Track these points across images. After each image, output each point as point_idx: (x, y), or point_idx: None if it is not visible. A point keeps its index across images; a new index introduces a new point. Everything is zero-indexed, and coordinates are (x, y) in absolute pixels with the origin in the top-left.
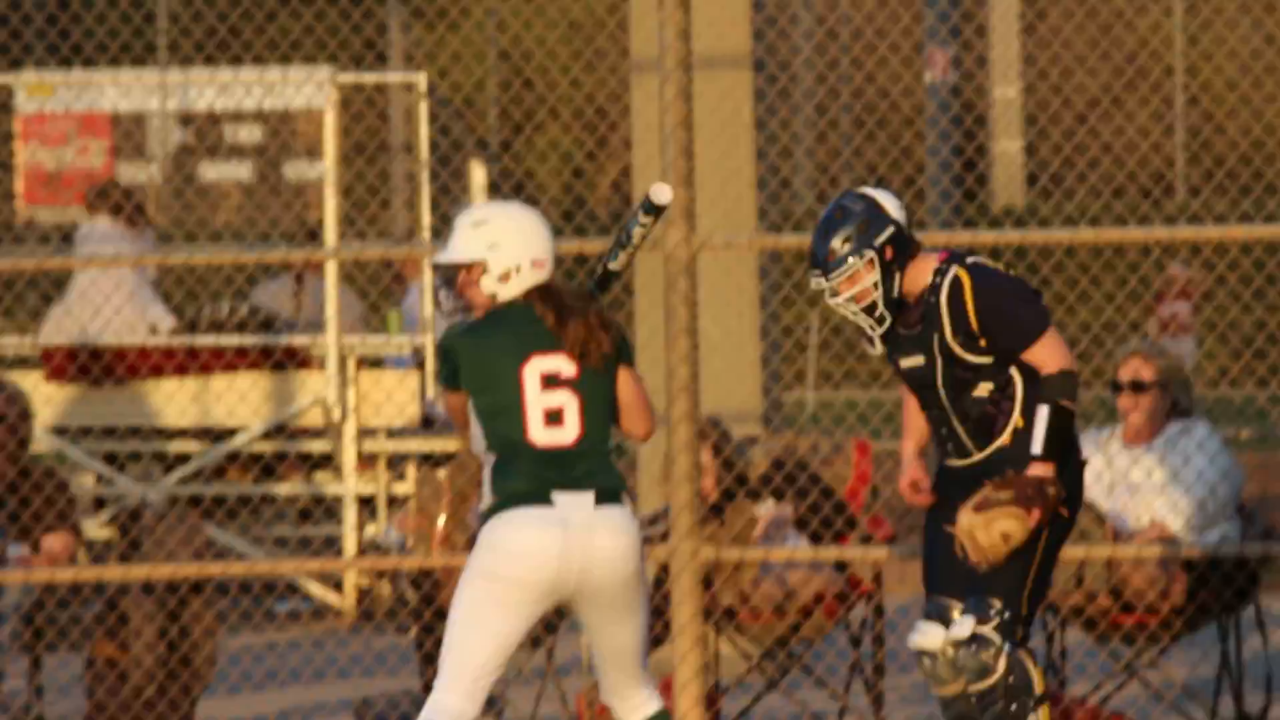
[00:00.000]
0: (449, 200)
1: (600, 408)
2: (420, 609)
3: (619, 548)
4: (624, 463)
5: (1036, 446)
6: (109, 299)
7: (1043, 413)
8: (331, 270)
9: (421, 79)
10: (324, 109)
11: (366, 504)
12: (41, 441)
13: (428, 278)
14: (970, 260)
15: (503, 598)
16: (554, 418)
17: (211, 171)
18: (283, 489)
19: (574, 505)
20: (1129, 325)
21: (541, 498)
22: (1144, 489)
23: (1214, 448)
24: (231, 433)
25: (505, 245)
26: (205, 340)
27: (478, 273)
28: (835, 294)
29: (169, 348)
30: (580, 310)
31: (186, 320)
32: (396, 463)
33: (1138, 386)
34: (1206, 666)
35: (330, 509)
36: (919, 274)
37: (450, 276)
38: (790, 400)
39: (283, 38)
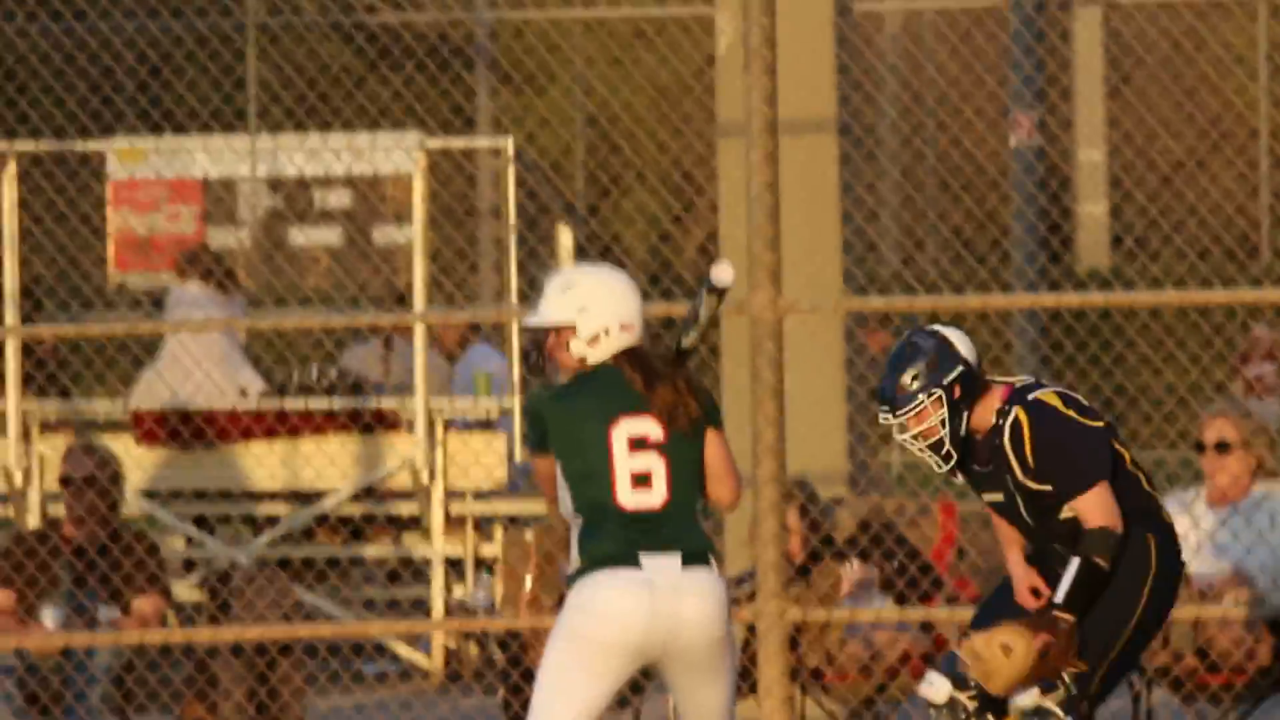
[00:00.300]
0: (536, 264)
1: (688, 471)
2: (507, 670)
3: (706, 610)
4: (710, 524)
5: (1060, 595)
6: (199, 363)
7: (1074, 565)
8: (419, 333)
9: (509, 143)
10: (412, 174)
11: (454, 566)
12: (132, 505)
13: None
14: (1032, 398)
15: (590, 660)
16: (641, 480)
17: (300, 236)
18: (370, 551)
19: (661, 567)
20: (1214, 387)
21: (629, 560)
22: (1230, 551)
23: None
24: (320, 495)
25: (594, 308)
26: (294, 404)
27: (566, 336)
28: (903, 430)
29: (258, 411)
30: (669, 375)
31: (275, 384)
32: (484, 525)
33: (1222, 447)
34: None
35: (418, 571)
36: (985, 410)
37: (539, 340)
38: (878, 463)
39: (371, 103)
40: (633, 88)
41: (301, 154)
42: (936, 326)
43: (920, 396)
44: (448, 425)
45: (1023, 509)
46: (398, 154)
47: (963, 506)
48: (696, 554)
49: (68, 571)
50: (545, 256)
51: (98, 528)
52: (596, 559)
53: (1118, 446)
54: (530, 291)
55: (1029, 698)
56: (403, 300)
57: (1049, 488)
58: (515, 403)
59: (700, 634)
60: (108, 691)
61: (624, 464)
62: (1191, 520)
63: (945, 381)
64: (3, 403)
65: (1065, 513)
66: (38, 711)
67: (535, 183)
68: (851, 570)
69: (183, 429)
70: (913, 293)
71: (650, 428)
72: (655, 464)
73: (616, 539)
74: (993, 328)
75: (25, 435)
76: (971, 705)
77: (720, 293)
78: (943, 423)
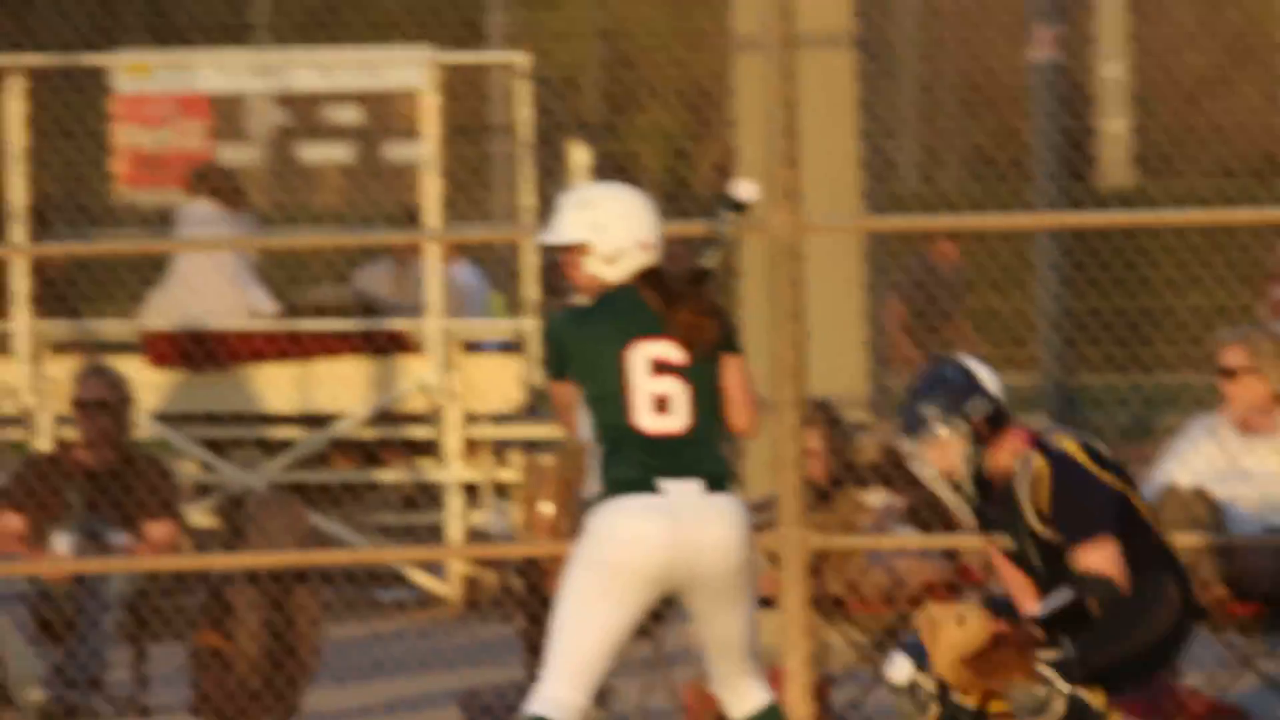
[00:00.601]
0: (550, 181)
1: (708, 396)
2: (525, 598)
3: (728, 536)
4: (730, 448)
5: (1039, 610)
6: (209, 283)
7: (1064, 592)
8: (433, 253)
9: (522, 59)
10: (424, 90)
11: (471, 491)
12: (144, 428)
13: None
14: (1055, 448)
15: (611, 587)
16: (662, 405)
17: (311, 153)
18: (386, 476)
19: (682, 493)
20: (1240, 308)
21: (650, 486)
22: (1258, 478)
23: None
24: (334, 418)
25: (612, 227)
26: (307, 325)
27: (583, 255)
28: (921, 459)
29: (271, 332)
30: (688, 296)
31: (288, 304)
32: (502, 449)
33: (1229, 373)
34: None
35: (434, 496)
36: (1005, 453)
37: (557, 259)
38: (898, 386)
39: (382, 17)
40: (648, 2)
41: (311, 69)
42: (964, 358)
43: (942, 429)
44: (464, 347)
45: (1034, 556)
46: (409, 69)
47: None
48: (717, 480)
49: (80, 496)
50: (559, 174)
51: (110, 452)
52: (617, 485)
53: (1133, 498)
54: (544, 209)
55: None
56: (415, 219)
57: (1062, 537)
58: (531, 325)
59: (722, 560)
60: (121, 618)
61: (643, 387)
62: (1218, 444)
63: (966, 411)
64: (12, 323)
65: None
66: (51, 638)
67: (549, 99)
68: (875, 498)
69: (194, 350)
70: (933, 211)
71: (670, 351)
72: (675, 388)
73: (637, 464)
74: (1014, 248)
75: (35, 357)
76: (932, 689)
77: (741, 210)
78: (962, 453)
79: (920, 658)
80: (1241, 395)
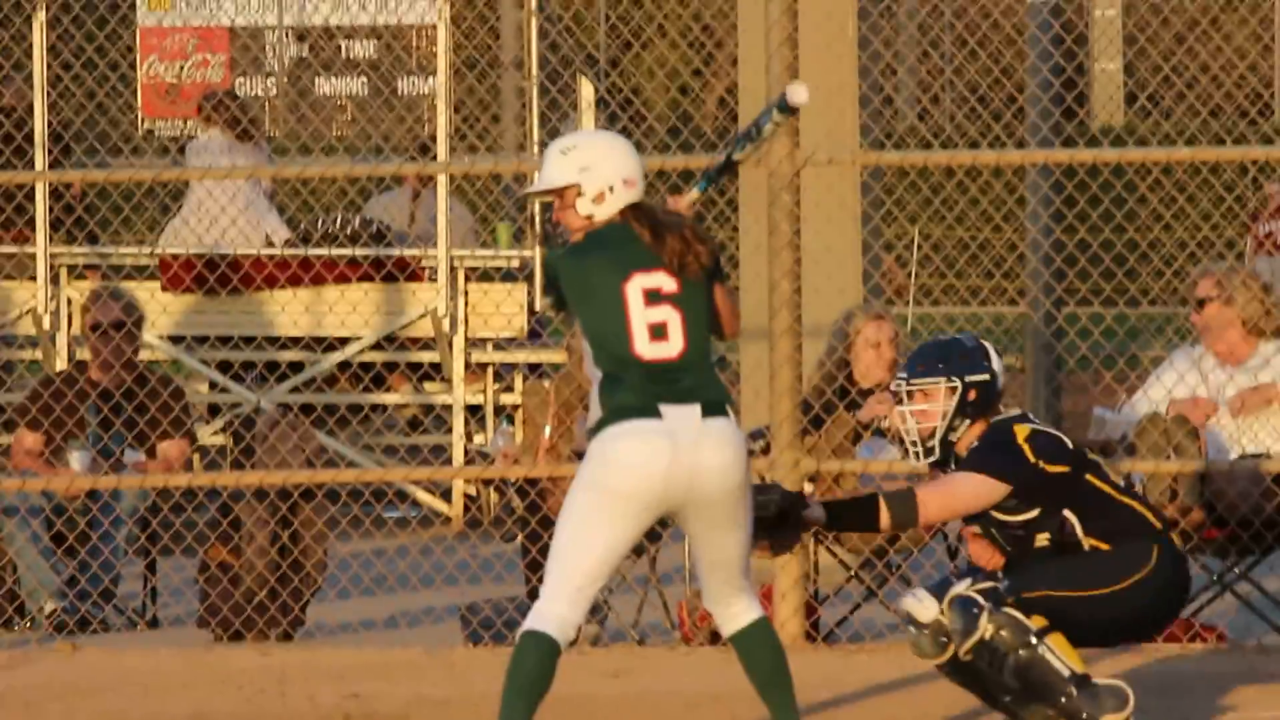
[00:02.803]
0: (558, 115)
1: (701, 320)
2: (526, 517)
3: (725, 460)
4: (727, 376)
5: (824, 505)
6: (225, 210)
7: (877, 497)
8: (442, 184)
9: None
10: (436, 24)
11: (474, 413)
12: (158, 350)
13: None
14: (998, 420)
15: (610, 508)
16: (658, 332)
17: (326, 86)
18: (392, 398)
19: (681, 418)
20: (1225, 243)
21: (650, 411)
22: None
23: None
24: (343, 343)
25: (597, 167)
26: (319, 252)
27: (572, 196)
28: (909, 400)
29: (283, 259)
30: (675, 224)
31: (300, 232)
32: (504, 373)
33: (1203, 303)
34: None
35: (439, 418)
36: (974, 434)
37: (550, 211)
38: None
39: None
40: None
41: (328, 3)
42: (984, 341)
43: (939, 378)
44: (469, 274)
45: (999, 539)
46: (422, 4)
47: None
48: (715, 405)
49: (94, 415)
50: (567, 109)
51: (124, 372)
52: (618, 410)
53: (1097, 482)
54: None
55: (960, 586)
56: (426, 150)
57: (1028, 513)
58: (536, 255)
59: (719, 483)
60: (133, 533)
61: (640, 316)
62: (1200, 376)
63: (968, 379)
64: (31, 247)
65: (1040, 541)
66: (65, 552)
67: (557, 35)
68: (880, 405)
69: (208, 275)
70: (928, 148)
71: (663, 280)
72: (670, 315)
73: (637, 390)
74: (1007, 183)
75: (53, 279)
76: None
77: (792, 112)
78: (944, 415)
79: (943, 599)
80: (1209, 325)
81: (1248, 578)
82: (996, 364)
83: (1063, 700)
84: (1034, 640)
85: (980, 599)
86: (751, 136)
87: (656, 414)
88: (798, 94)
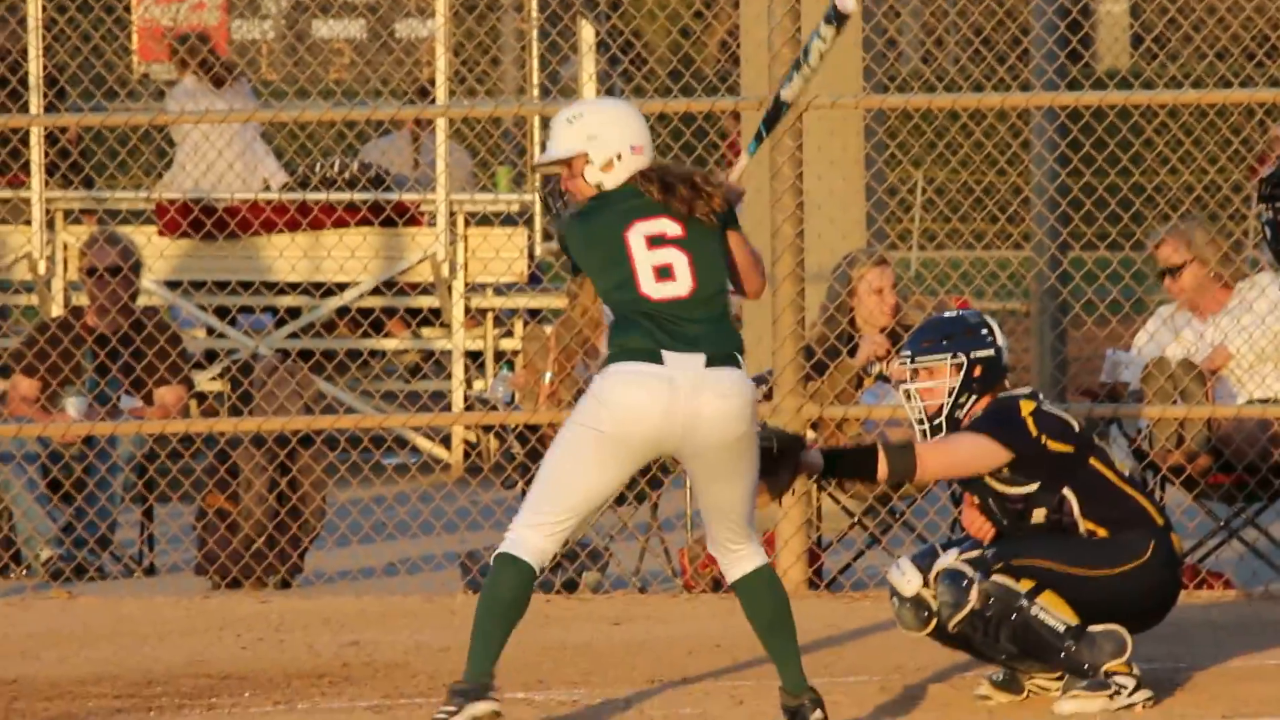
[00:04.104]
0: (558, 58)
1: (712, 263)
2: (526, 464)
3: (727, 409)
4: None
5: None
6: (221, 154)
7: (877, 447)
8: (441, 128)
9: None
10: None
11: (474, 359)
12: (155, 295)
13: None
14: (1005, 395)
15: (599, 448)
16: (664, 273)
17: (324, 28)
18: (391, 344)
19: (683, 365)
20: (1231, 187)
21: (652, 355)
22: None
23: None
24: (341, 288)
25: (603, 134)
26: (317, 196)
27: (580, 165)
28: (913, 378)
29: (281, 203)
30: (685, 175)
31: (298, 176)
32: (504, 318)
33: (1171, 272)
34: None
35: (438, 364)
36: (978, 410)
37: (556, 183)
38: (894, 260)
39: None
40: None
41: None
42: (987, 318)
43: (944, 354)
44: (469, 219)
45: (996, 511)
46: None
47: (979, 304)
48: (723, 355)
49: (90, 361)
50: (567, 51)
51: (120, 317)
52: (621, 351)
53: (1101, 468)
54: (551, 86)
55: (948, 558)
56: (425, 94)
57: (1027, 486)
58: (536, 199)
59: (718, 432)
60: (130, 480)
61: (644, 259)
62: (1173, 331)
63: (973, 355)
64: (27, 191)
65: (1036, 517)
66: (61, 498)
67: None
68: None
69: (205, 220)
70: (932, 91)
71: (667, 226)
72: (676, 257)
73: (644, 333)
74: (1012, 126)
75: (49, 224)
76: (935, 605)
77: (841, 21)
78: (950, 391)
79: (928, 570)
80: (1184, 286)
81: (1255, 523)
82: (1000, 339)
83: (1061, 656)
84: (1025, 603)
85: (968, 570)
86: (799, 66)
87: (658, 359)
88: (847, 2)
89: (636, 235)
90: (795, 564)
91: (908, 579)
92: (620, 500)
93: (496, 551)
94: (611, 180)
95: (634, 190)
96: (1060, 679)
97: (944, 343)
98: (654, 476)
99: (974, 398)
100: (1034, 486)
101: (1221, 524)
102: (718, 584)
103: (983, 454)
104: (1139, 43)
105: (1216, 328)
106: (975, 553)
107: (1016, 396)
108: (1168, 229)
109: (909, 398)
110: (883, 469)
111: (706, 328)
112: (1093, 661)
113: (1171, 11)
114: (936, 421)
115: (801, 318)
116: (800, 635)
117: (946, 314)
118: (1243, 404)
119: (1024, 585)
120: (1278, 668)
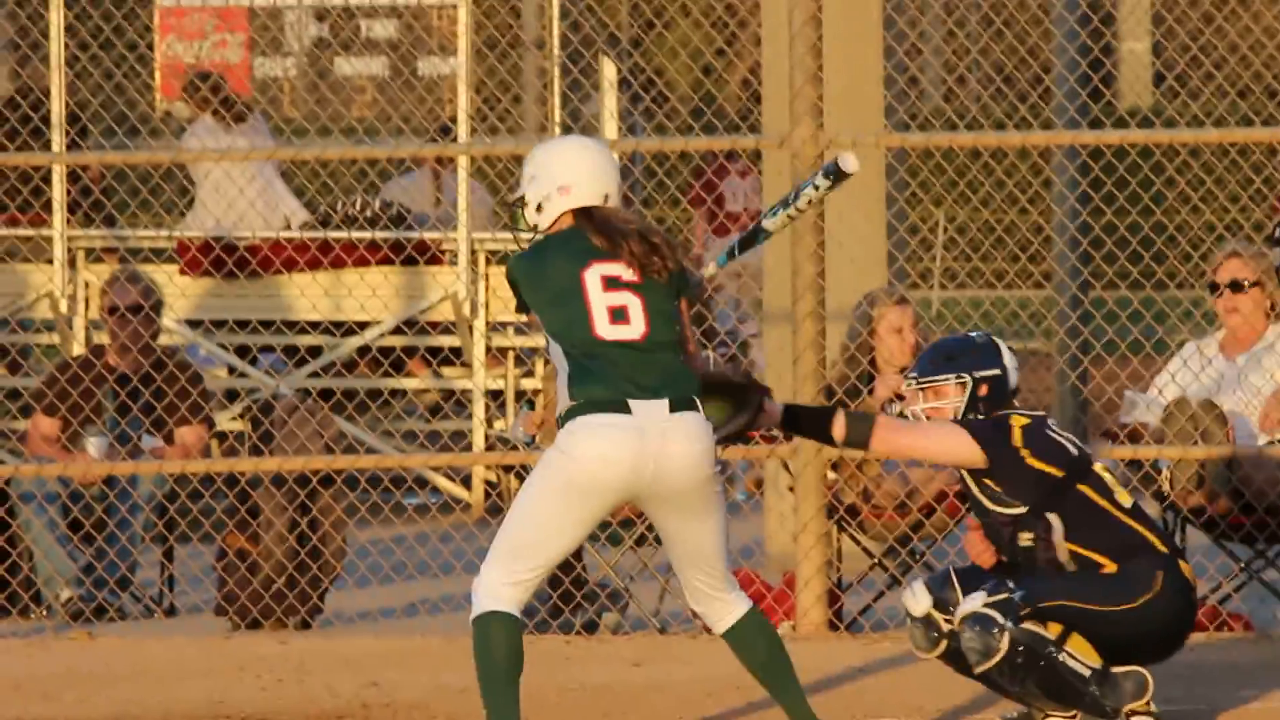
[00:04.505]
0: (580, 96)
1: (664, 310)
2: None
3: (692, 453)
4: (747, 362)
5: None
6: (243, 192)
7: (834, 409)
8: (463, 165)
9: None
10: (457, 4)
11: (495, 399)
12: (176, 334)
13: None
14: (1002, 413)
15: (570, 501)
16: (619, 315)
17: (346, 66)
18: (412, 383)
19: (649, 412)
20: (1253, 226)
21: (618, 405)
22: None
23: None
24: (362, 327)
25: (540, 175)
26: (338, 235)
27: (522, 206)
28: (921, 398)
29: (302, 242)
30: (633, 230)
31: (319, 215)
32: (525, 358)
33: (1236, 286)
34: None
35: (459, 404)
36: None
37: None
38: (916, 299)
39: None
40: None
41: None
42: (995, 338)
43: (949, 375)
44: (490, 257)
45: (992, 533)
46: None
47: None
48: (683, 400)
49: (111, 400)
50: (589, 89)
51: (141, 357)
52: (587, 403)
53: (1094, 496)
54: (573, 125)
55: (974, 602)
56: (447, 131)
57: (1014, 509)
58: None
59: (686, 476)
60: (150, 520)
61: (599, 300)
62: (1205, 362)
63: (977, 374)
64: (49, 230)
65: (1024, 540)
66: (81, 539)
67: (579, 14)
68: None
69: (226, 258)
70: (954, 129)
71: (621, 270)
72: (631, 300)
73: (606, 380)
74: (1033, 165)
75: (71, 263)
76: (946, 628)
77: (840, 179)
78: (956, 412)
79: (942, 592)
80: (1242, 308)
81: (1275, 565)
82: (1009, 359)
83: (1085, 701)
84: (1053, 650)
85: (998, 617)
86: (786, 203)
87: (625, 409)
88: (849, 161)
89: (594, 275)
90: (815, 605)
91: (918, 599)
92: (640, 541)
93: (474, 614)
94: (543, 221)
95: (580, 233)
96: (1074, 717)
97: (949, 364)
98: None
99: (978, 414)
100: (1022, 509)
101: (1242, 566)
102: None
103: (952, 446)
104: (1161, 81)
105: (1254, 362)
106: (1002, 595)
107: (1017, 412)
108: (1234, 244)
109: (916, 418)
110: (839, 430)
111: (666, 373)
112: (1115, 704)
113: (1194, 50)
114: None
115: (823, 357)
116: (820, 676)
117: (955, 336)
118: (1264, 444)
119: (1052, 630)
120: None
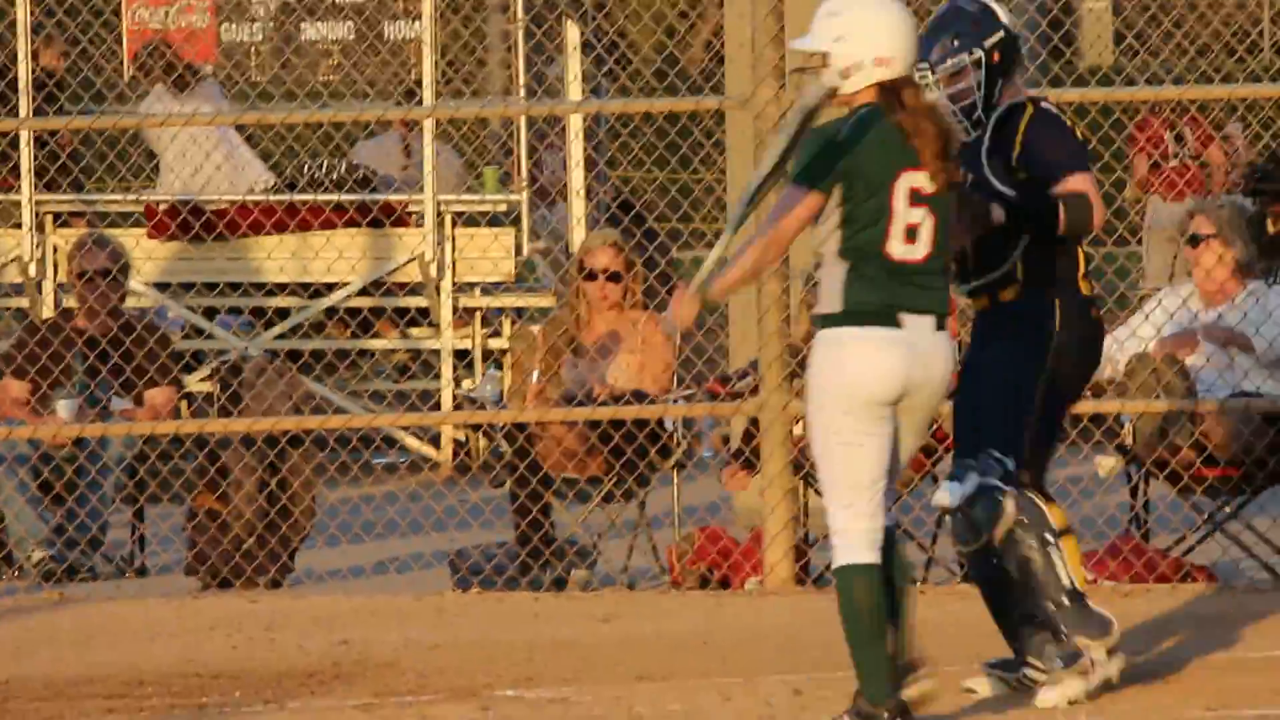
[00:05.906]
0: (544, 58)
1: (945, 228)
2: (514, 462)
3: (946, 376)
4: (716, 318)
5: (1024, 202)
6: (209, 156)
7: (1057, 203)
8: (428, 128)
9: None
10: None
11: (462, 359)
12: (144, 297)
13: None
14: (1044, 103)
15: (866, 415)
16: (912, 234)
17: (312, 30)
18: (380, 344)
19: (920, 329)
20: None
21: (889, 319)
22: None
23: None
24: (330, 288)
25: (853, 38)
26: (304, 197)
27: (818, 64)
28: (940, 88)
29: (268, 205)
30: (940, 127)
31: (286, 178)
32: (491, 318)
33: (1194, 240)
34: None
35: (427, 364)
36: (1005, 96)
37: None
38: None
39: None
40: None
41: None
42: None
43: (960, 56)
44: (456, 219)
45: (993, 198)
46: None
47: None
48: (945, 318)
49: (80, 363)
50: (552, 52)
51: (110, 319)
52: (859, 311)
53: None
54: (537, 87)
55: (970, 484)
56: (412, 95)
57: (1035, 177)
58: (523, 199)
59: (936, 394)
60: (120, 481)
61: (901, 216)
62: (1187, 309)
63: (986, 44)
64: (17, 195)
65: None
66: (52, 500)
67: None
68: None
69: (193, 221)
70: None
71: (924, 181)
72: (925, 219)
73: (881, 291)
74: None
75: (39, 227)
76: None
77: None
78: (978, 85)
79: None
80: (1203, 261)
81: (1238, 517)
82: (1005, 16)
83: (1051, 606)
84: (1049, 538)
85: (1000, 485)
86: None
87: (896, 323)
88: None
89: (902, 187)
90: (782, 560)
91: (943, 492)
92: (608, 498)
93: (834, 565)
94: (846, 88)
95: (890, 119)
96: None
97: (955, 43)
98: (641, 474)
99: (1001, 81)
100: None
101: (1205, 518)
102: (705, 581)
103: (1090, 177)
104: (1121, 39)
105: (1234, 311)
106: (993, 473)
107: (1049, 106)
108: (1198, 204)
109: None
110: (1062, 222)
111: (934, 288)
112: (1070, 630)
113: (1153, 8)
114: (975, 116)
115: (787, 315)
116: (788, 630)
117: (944, 12)
118: (1225, 397)
119: (1055, 516)
120: (1261, 660)
